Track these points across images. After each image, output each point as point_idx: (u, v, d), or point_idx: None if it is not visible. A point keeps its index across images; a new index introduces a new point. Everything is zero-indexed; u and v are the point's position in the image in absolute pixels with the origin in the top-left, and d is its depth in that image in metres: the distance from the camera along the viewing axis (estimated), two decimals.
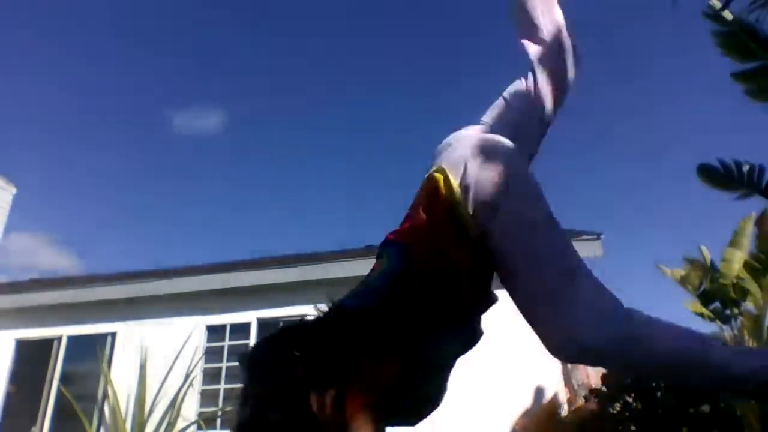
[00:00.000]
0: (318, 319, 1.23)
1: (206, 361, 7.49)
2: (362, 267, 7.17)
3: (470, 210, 1.30)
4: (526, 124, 1.54)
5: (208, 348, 7.57)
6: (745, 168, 4.04)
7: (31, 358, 8.19)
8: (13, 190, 9.77)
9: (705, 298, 6.39)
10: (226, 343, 7.52)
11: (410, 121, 18.16)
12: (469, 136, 1.48)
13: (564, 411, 5.99)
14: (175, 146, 19.31)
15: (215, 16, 17.18)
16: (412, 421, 1.33)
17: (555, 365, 6.45)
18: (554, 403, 6.09)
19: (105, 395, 7.54)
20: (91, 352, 7.78)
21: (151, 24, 16.84)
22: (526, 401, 6.22)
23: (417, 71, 17.21)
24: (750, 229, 6.08)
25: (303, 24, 17.36)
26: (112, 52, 16.47)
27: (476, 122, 1.60)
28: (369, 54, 17.91)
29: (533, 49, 1.58)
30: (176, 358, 7.41)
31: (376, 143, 18.96)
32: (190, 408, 7.17)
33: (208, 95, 19.08)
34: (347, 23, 17.65)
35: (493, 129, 1.52)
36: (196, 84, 18.21)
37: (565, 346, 1.27)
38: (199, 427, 7.06)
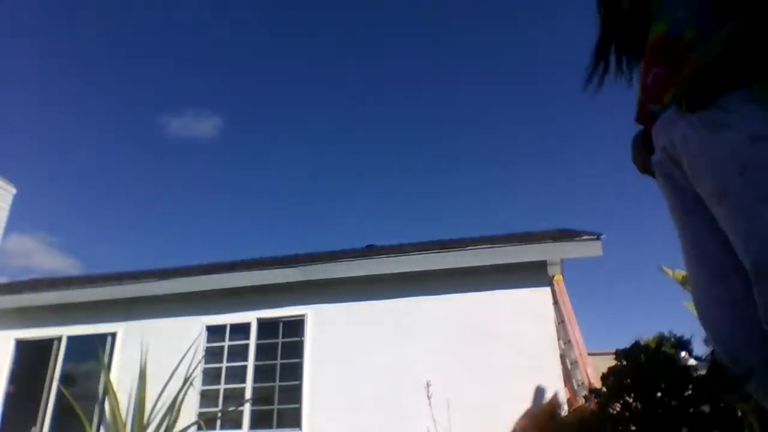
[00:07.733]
0: None
1: (206, 361, 7.49)
2: (362, 267, 7.24)
3: None
4: None
5: (208, 348, 7.57)
6: None
7: (31, 358, 8.20)
8: (13, 191, 9.75)
9: None
10: (226, 343, 7.52)
11: (410, 122, 18.18)
12: None
13: (564, 411, 5.99)
14: (172, 149, 19.29)
15: (215, 18, 17.19)
16: None
17: (555, 365, 6.45)
18: (554, 403, 6.08)
19: (105, 395, 7.55)
20: (91, 352, 7.79)
21: (151, 26, 16.84)
22: (526, 401, 6.22)
23: (416, 72, 17.21)
24: None
25: (302, 25, 17.37)
26: (111, 54, 16.48)
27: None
28: (367, 55, 17.92)
29: None
30: (177, 359, 7.41)
31: (375, 144, 18.97)
32: (190, 408, 7.17)
33: (204, 100, 19.04)
34: (346, 25, 17.66)
35: None
36: (193, 89, 18.20)
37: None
38: (199, 427, 7.06)
